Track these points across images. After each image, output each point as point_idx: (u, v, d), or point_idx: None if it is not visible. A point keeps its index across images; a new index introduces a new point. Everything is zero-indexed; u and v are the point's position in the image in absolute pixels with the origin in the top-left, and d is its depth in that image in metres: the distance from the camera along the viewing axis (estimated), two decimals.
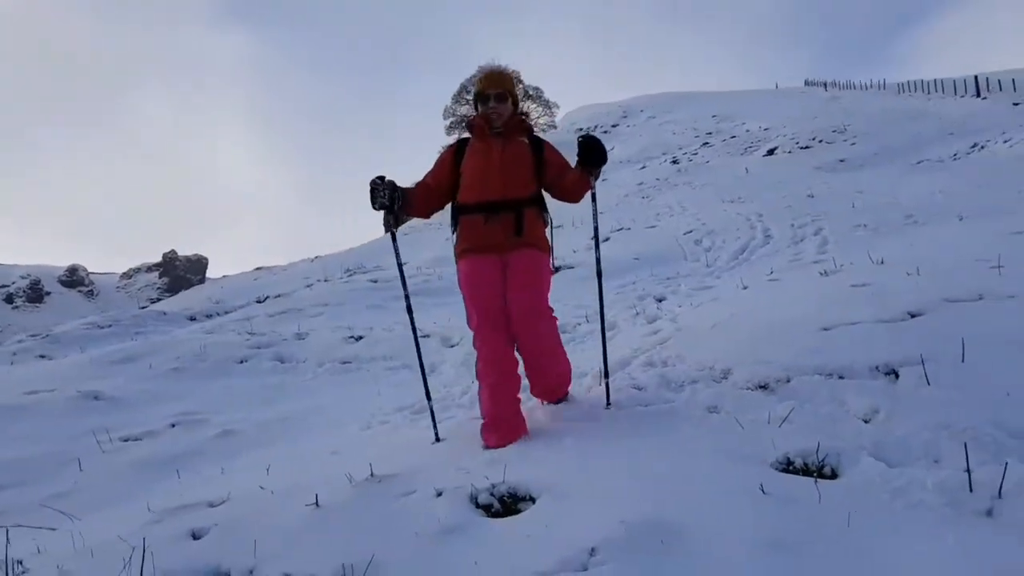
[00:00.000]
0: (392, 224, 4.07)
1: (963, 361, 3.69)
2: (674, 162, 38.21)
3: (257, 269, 36.22)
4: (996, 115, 28.69)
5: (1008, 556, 2.18)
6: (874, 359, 3.90)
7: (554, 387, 4.28)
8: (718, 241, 13.66)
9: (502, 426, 3.82)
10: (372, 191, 3.93)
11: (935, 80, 47.42)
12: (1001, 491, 2.57)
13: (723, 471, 2.86)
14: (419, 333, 8.61)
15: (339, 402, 6.41)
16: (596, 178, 4.02)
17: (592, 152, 3.92)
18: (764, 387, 3.92)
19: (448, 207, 4.26)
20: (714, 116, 54.45)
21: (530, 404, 4.33)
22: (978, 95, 38.50)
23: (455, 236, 4.20)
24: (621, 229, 18.28)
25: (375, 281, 14.38)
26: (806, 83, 72.46)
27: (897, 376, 3.73)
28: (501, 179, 4.03)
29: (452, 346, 8.03)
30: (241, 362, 8.20)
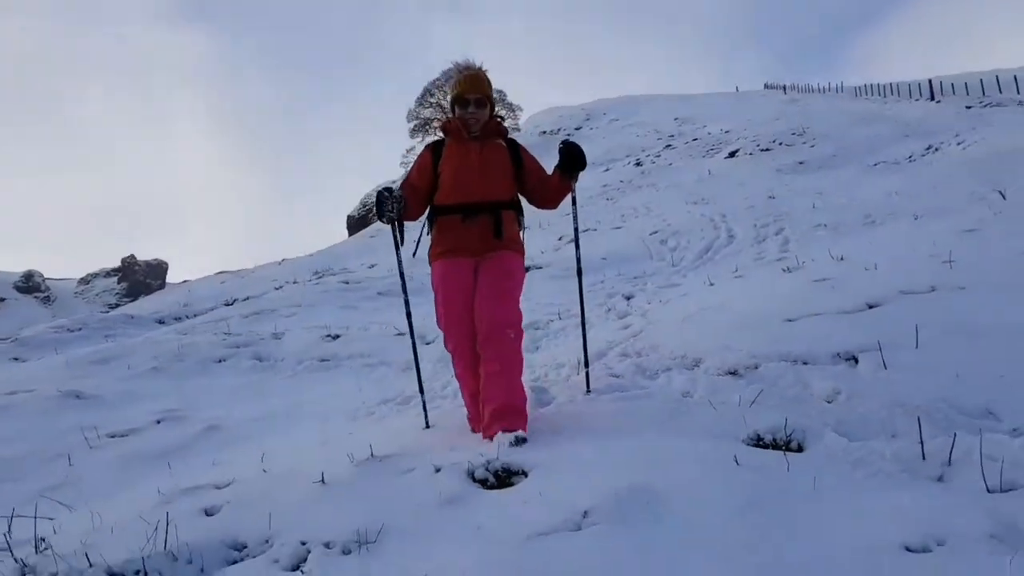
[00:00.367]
0: (399, 234, 4.08)
1: (917, 347, 3.99)
2: (638, 164, 38.69)
3: (220, 273, 35.89)
4: (949, 118, 29.49)
5: (956, 512, 2.43)
6: (835, 346, 4.19)
7: (515, 410, 3.71)
8: (683, 241, 14.00)
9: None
10: (379, 204, 3.88)
11: (891, 84, 48.55)
12: (951, 459, 2.84)
13: (699, 446, 3.10)
14: (395, 332, 8.79)
15: (322, 397, 6.57)
16: (575, 181, 4.20)
17: (574, 158, 4.06)
18: (734, 373, 4.19)
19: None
20: (676, 119, 55.13)
21: None
22: (932, 98, 39.49)
23: (430, 237, 4.20)
24: (587, 230, 18.56)
25: (346, 283, 14.51)
26: (766, 86, 73.60)
27: (857, 361, 4.01)
28: (480, 181, 4.06)
29: (428, 343, 8.22)
30: (220, 361, 8.30)
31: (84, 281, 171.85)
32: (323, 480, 3.12)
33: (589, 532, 2.39)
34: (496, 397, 3.71)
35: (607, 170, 39.39)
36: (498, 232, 4.03)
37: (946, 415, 3.28)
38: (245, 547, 2.70)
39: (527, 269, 4.36)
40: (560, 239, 17.71)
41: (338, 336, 8.90)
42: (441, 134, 4.34)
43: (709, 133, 43.24)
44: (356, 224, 69.12)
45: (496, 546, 2.33)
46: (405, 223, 4.06)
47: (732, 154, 33.24)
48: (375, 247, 31.84)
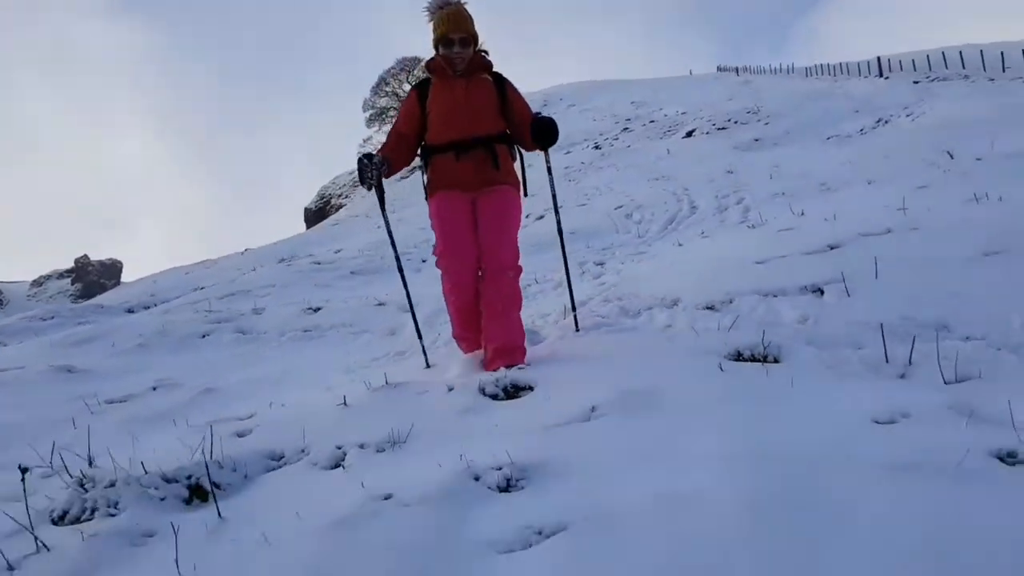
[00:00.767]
0: (381, 200, 4.20)
1: (876, 277, 4.35)
2: (596, 147, 39.00)
3: (166, 271, 35.22)
4: (898, 93, 30.23)
5: (918, 396, 2.78)
6: (802, 281, 4.55)
7: (515, 347, 4.05)
8: (647, 214, 14.34)
9: (474, 341, 4.29)
10: (360, 171, 3.96)
11: (840, 63, 49.39)
12: (911, 359, 3.20)
13: (687, 360, 3.43)
14: (375, 302, 8.99)
15: (312, 362, 6.76)
16: (547, 152, 4.23)
17: (546, 134, 4.05)
18: (711, 308, 4.52)
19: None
20: (632, 102, 55.54)
21: None
22: (881, 75, 40.33)
23: (426, 175, 4.27)
24: (550, 208, 18.85)
25: (318, 263, 14.64)
26: (719, 69, 74.31)
27: (822, 292, 4.37)
28: (469, 117, 4.09)
29: (408, 311, 8.46)
30: (203, 336, 8.44)
31: (37, 283, 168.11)
32: (345, 403, 3.39)
33: (599, 422, 2.70)
34: (498, 336, 4.03)
35: (568, 153, 39.65)
36: (494, 164, 4.11)
37: (905, 329, 3.63)
38: (282, 456, 2.96)
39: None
40: (527, 216, 17.98)
41: (319, 309, 9.09)
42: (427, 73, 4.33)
43: (665, 115, 43.70)
44: (313, 216, 68.46)
45: (518, 436, 2.63)
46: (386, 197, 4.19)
47: (689, 134, 33.73)
48: (338, 235, 31.78)
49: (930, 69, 37.36)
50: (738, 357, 3.54)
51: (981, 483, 1.97)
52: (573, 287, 4.95)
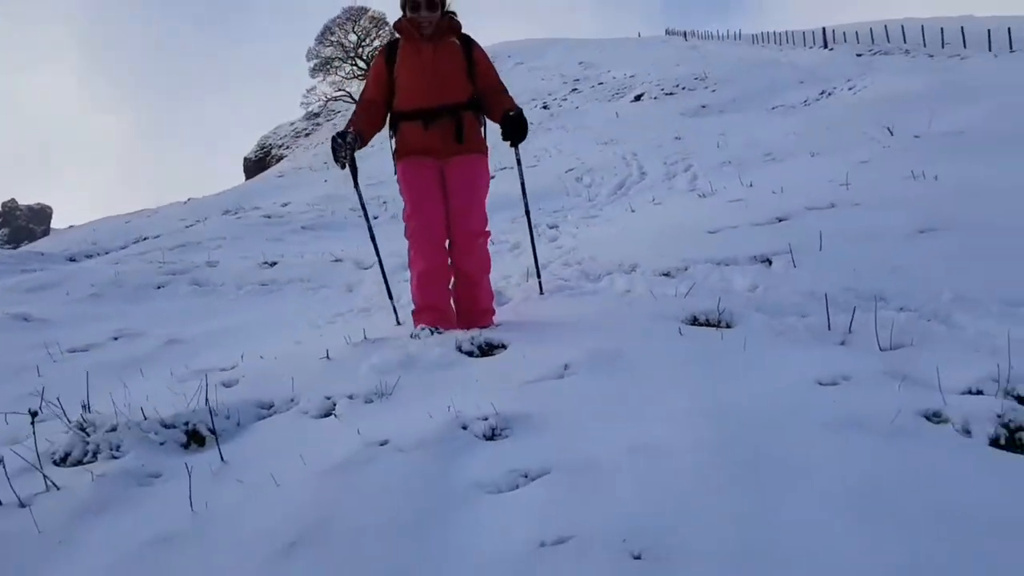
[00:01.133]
0: (355, 176, 4.25)
1: (821, 250, 4.67)
2: (545, 107, 39.13)
3: (103, 219, 34.25)
4: (841, 64, 30.96)
5: (854, 364, 3.07)
6: (752, 251, 4.86)
7: (484, 309, 4.30)
8: (597, 178, 14.62)
9: (431, 314, 4.10)
10: (333, 150, 3.98)
11: (786, 32, 50.16)
12: (851, 328, 3.50)
13: (647, 324, 3.70)
14: (332, 258, 9.10)
15: (274, 316, 6.87)
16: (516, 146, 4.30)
17: (516, 132, 4.12)
18: (667, 274, 4.80)
19: None
20: (581, 63, 55.56)
21: None
22: (825, 46, 41.11)
23: (393, 140, 4.29)
24: (504, 168, 18.99)
25: (268, 217, 14.62)
26: (667, 32, 74.69)
27: (770, 263, 4.68)
28: (436, 84, 4.10)
29: (366, 268, 8.58)
30: (158, 288, 8.44)
31: None
32: (328, 356, 3.57)
33: (572, 379, 2.95)
34: (469, 299, 4.26)
35: None
36: (459, 136, 4.14)
37: (846, 299, 3.94)
38: (272, 406, 3.14)
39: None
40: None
41: (275, 263, 9.15)
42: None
43: (614, 77, 43.95)
44: (253, 167, 67.18)
45: (498, 390, 2.86)
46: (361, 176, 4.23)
47: (638, 98, 34.11)
48: (283, 186, 31.43)
49: (872, 42, 38.17)
50: (694, 322, 3.82)
51: (911, 439, 2.27)
52: (529, 250, 5.15)
